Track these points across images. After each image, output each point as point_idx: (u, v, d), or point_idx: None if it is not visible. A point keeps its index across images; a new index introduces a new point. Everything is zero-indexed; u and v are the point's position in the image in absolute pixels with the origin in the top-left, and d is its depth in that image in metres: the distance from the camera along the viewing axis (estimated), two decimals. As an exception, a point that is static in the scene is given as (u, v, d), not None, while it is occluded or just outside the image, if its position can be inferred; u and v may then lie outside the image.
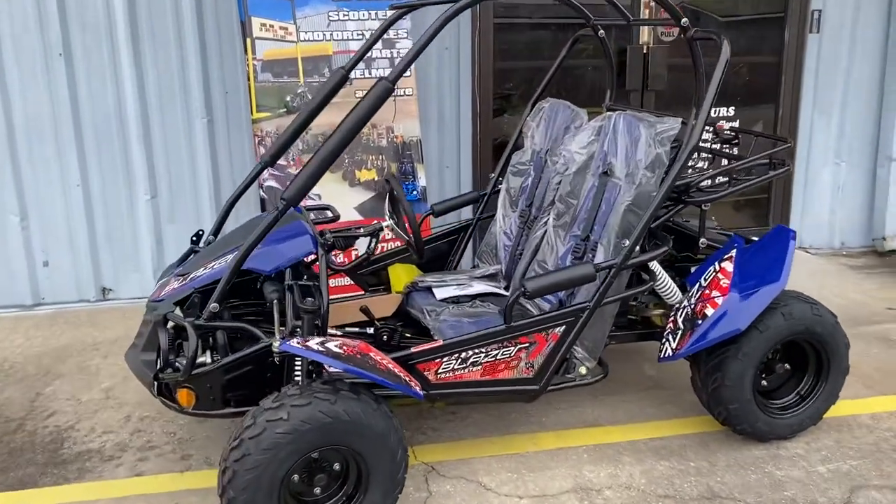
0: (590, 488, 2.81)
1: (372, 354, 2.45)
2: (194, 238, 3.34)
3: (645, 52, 5.05)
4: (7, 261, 4.56)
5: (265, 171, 4.19)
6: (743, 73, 5.38)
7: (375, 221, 3.33)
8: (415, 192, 4.55)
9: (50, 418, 3.33)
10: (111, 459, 3.02)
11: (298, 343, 2.35)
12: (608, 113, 3.17)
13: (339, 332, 3.09)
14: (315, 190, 4.42)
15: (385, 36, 4.46)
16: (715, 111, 5.34)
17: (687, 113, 5.21)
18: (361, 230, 3.23)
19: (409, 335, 3.21)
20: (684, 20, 2.83)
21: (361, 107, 2.53)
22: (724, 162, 3.21)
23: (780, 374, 3.07)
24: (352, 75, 4.45)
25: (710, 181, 2.98)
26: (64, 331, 4.31)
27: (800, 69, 5.33)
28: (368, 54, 4.47)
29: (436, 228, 3.98)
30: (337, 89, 3.30)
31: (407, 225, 3.11)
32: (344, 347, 2.39)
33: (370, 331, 3.19)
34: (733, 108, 5.35)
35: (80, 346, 4.10)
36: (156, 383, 2.61)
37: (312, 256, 2.99)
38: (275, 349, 2.42)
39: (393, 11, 3.17)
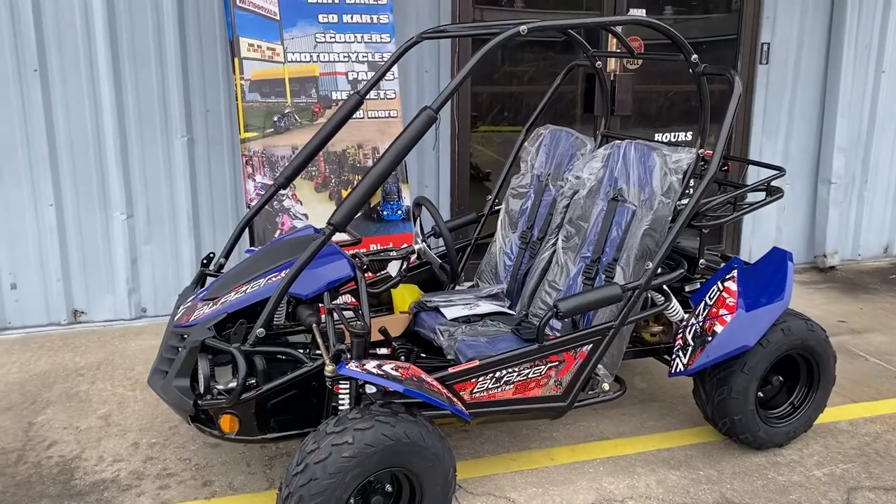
0: (613, 499, 2.94)
1: (423, 376, 2.51)
2: (204, 261, 3.31)
3: (612, 79, 5.29)
4: (-29, 283, 4.36)
5: (252, 191, 4.21)
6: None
7: (406, 245, 3.38)
8: (399, 212, 4.61)
9: (51, 448, 3.22)
10: (129, 489, 2.95)
11: (357, 367, 2.38)
12: (616, 141, 3.34)
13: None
14: (302, 210, 4.45)
15: (370, 59, 4.56)
16: (675, 136, 5.64)
17: (648, 134, 5.50)
18: (394, 253, 3.27)
19: (424, 355, 3.28)
20: (694, 56, 3.03)
21: (406, 135, 2.59)
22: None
23: (775, 386, 3.30)
24: (335, 96, 4.54)
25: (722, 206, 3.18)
26: (40, 356, 4.14)
27: (751, 97, 5.69)
28: (354, 76, 4.54)
29: (433, 250, 4.05)
30: (352, 112, 3.36)
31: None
32: (399, 370, 2.44)
33: (384, 351, 3.24)
34: (690, 132, 5.67)
35: (62, 371, 3.95)
36: (194, 410, 2.58)
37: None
38: (328, 373, 2.44)
39: (421, 36, 3.23)
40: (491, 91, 5.35)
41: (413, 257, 3.33)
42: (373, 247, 4.33)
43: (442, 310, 3.46)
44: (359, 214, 4.45)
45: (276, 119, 4.35)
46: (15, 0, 4.14)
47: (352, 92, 4.43)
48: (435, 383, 2.55)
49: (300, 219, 4.38)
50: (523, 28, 2.68)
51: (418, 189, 5.08)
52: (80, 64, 4.32)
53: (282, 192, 4.33)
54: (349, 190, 4.52)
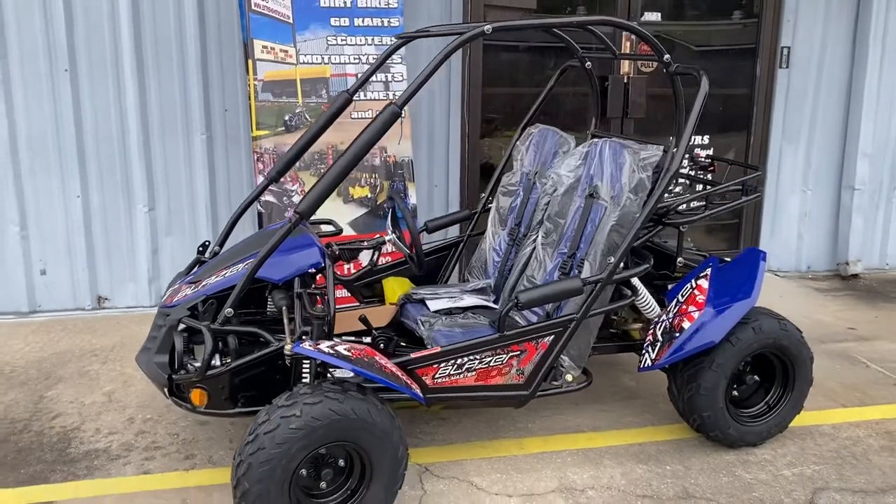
0: (574, 488, 3.01)
1: (377, 358, 2.64)
2: (200, 248, 3.51)
3: (625, 81, 5.32)
4: (5, 269, 4.68)
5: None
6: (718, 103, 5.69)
7: (378, 235, 3.52)
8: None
9: (55, 420, 3.46)
10: (118, 458, 3.16)
11: (310, 346, 2.53)
12: (594, 139, 3.41)
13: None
14: (310, 205, 4.62)
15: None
16: (690, 139, 5.61)
17: (663, 138, 5.51)
18: (365, 243, 3.42)
19: (403, 344, 3.40)
20: (667, 56, 3.08)
21: (371, 129, 2.73)
22: (699, 187, 3.48)
23: (750, 385, 3.30)
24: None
25: (686, 205, 3.22)
26: (62, 337, 4.42)
27: (770, 101, 5.64)
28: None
29: (428, 244, 4.17)
30: (341, 111, 3.50)
31: (408, 240, 3.30)
32: (352, 351, 2.58)
33: (367, 340, 3.37)
34: (708, 136, 5.65)
35: (78, 351, 4.22)
36: (169, 384, 2.76)
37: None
38: (287, 351, 2.59)
39: (397, 40, 3.37)
40: (529, 94, 5.41)
41: (384, 247, 3.46)
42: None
43: (427, 302, 3.58)
44: (366, 210, 4.68)
45: (287, 118, 4.55)
46: (49, 6, 4.45)
47: (370, 95, 4.63)
48: (389, 365, 2.67)
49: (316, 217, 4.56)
50: (487, 28, 2.79)
51: (428, 188, 5.22)
52: (107, 65, 4.60)
53: (291, 187, 4.55)
54: (355, 187, 4.70)
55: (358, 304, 3.83)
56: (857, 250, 5.84)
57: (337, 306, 3.73)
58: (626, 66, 5.32)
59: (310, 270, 2.96)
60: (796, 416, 3.36)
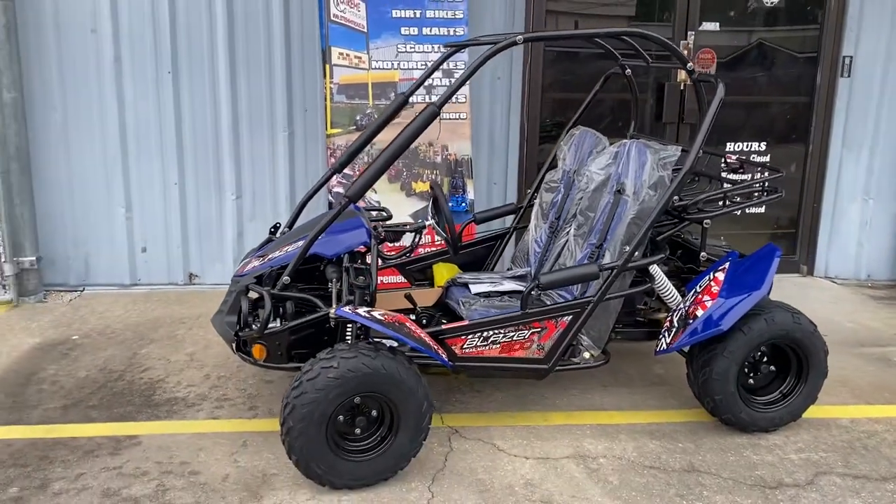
0: (587, 456, 3.31)
1: (408, 325, 3.03)
2: (272, 229, 3.99)
3: (682, 88, 5.54)
4: (112, 246, 5.34)
5: (334, 179, 4.87)
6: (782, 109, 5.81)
7: (420, 220, 3.92)
8: (463, 204, 5.13)
9: (145, 372, 4.02)
10: (193, 406, 3.67)
11: (350, 309, 2.94)
12: (624, 140, 3.70)
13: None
14: (375, 197, 5.08)
15: (445, 67, 5.12)
16: (747, 145, 5.77)
17: (719, 145, 5.68)
18: (408, 227, 3.82)
19: (444, 321, 3.77)
20: (690, 65, 3.34)
21: (412, 126, 3.12)
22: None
23: (766, 374, 3.50)
24: (413, 100, 5.12)
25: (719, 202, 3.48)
26: (156, 307, 5.03)
27: (830, 110, 5.71)
28: (429, 82, 5.11)
29: (478, 235, 4.54)
30: (398, 111, 3.92)
31: (445, 224, 3.67)
32: (385, 316, 2.98)
33: (412, 317, 3.77)
34: (765, 143, 5.78)
35: (169, 319, 4.80)
36: (235, 339, 3.24)
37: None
38: (331, 315, 3.02)
39: (447, 48, 3.75)
40: (559, 99, 5.73)
41: (426, 230, 3.85)
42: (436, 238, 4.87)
43: (469, 286, 3.95)
44: (427, 204, 5.08)
45: (358, 118, 5.02)
46: (157, 17, 5.08)
47: (434, 99, 5.05)
48: (419, 331, 3.05)
49: (374, 205, 5.01)
50: (519, 38, 3.13)
51: (487, 186, 5.58)
52: (205, 68, 5.19)
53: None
54: (417, 182, 5.12)
55: (410, 286, 4.24)
56: (919, 261, 5.83)
57: (389, 289, 4.17)
58: (682, 73, 5.52)
59: (358, 248, 3.38)
60: (814, 408, 3.54)
